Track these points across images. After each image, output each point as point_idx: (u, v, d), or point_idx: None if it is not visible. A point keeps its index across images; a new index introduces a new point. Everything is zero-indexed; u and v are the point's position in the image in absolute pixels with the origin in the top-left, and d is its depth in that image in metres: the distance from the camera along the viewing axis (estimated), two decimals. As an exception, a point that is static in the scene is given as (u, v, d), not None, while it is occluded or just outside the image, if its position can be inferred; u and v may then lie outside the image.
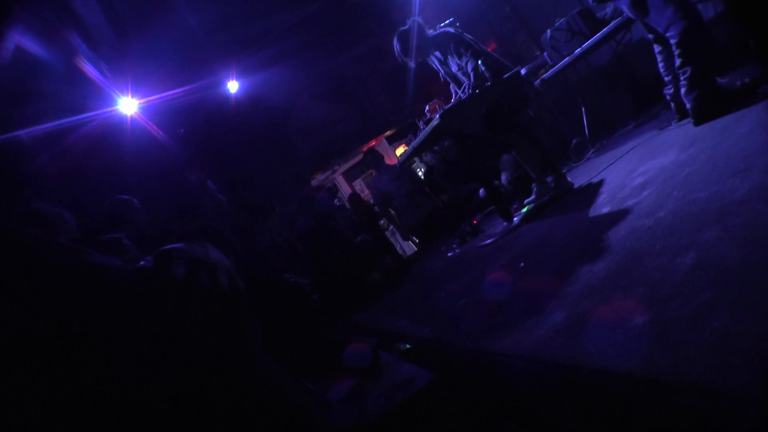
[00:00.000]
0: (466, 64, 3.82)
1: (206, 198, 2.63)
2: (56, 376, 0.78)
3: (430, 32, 4.08)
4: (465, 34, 4.00)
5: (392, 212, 7.06)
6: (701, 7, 4.75)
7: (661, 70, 3.51)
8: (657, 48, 3.44)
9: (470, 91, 3.64)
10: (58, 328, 0.79)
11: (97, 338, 0.81)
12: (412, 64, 4.15)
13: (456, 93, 4.09)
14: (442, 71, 4.18)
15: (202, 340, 0.89)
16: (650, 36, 3.46)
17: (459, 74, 3.97)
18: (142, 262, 0.92)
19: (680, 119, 3.47)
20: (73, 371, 0.79)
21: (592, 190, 3.39)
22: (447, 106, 3.63)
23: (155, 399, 0.83)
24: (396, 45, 4.12)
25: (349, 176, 12.02)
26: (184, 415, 0.85)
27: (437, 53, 4.08)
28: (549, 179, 3.99)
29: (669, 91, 3.53)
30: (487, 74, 3.65)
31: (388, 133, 10.46)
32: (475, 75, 3.72)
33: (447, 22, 4.13)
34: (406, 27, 4.07)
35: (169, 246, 0.95)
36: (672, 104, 3.56)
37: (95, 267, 0.89)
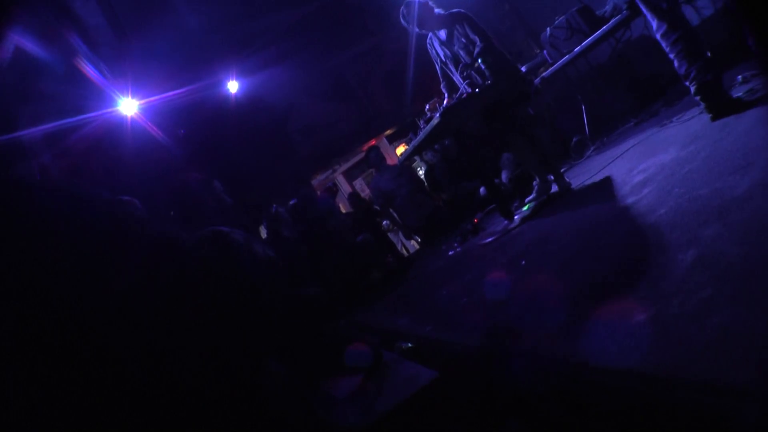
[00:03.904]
0: (474, 45, 3.80)
1: (208, 198, 2.63)
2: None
3: (438, 11, 4.02)
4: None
5: (393, 212, 7.06)
6: (700, 4, 4.77)
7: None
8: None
9: (468, 88, 3.63)
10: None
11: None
12: (414, 30, 4.05)
13: (450, 72, 4.05)
14: (441, 53, 4.11)
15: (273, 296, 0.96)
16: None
17: (462, 53, 3.91)
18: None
19: (713, 117, 2.91)
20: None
21: (593, 187, 3.39)
22: (447, 105, 3.63)
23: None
24: (402, 10, 4.02)
25: (350, 175, 12.02)
26: (196, 415, 0.86)
27: (441, 33, 4.03)
28: (551, 177, 3.99)
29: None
30: (487, 72, 3.65)
31: (388, 132, 10.45)
32: (482, 69, 3.70)
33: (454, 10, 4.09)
34: None
35: (215, 228, 1.03)
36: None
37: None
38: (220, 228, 1.02)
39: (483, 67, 3.66)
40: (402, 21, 4.09)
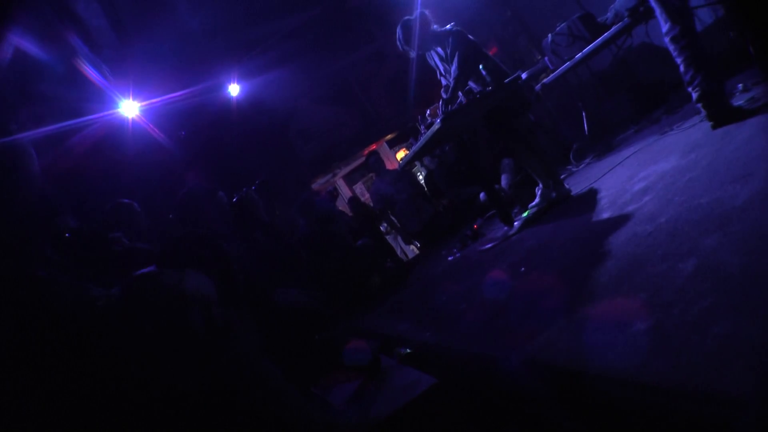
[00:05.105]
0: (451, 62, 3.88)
1: (210, 207, 2.63)
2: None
3: (435, 27, 4.09)
4: (469, 36, 4.00)
5: (392, 217, 7.06)
6: (701, 12, 4.78)
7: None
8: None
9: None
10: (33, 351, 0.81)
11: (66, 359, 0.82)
12: (412, 54, 4.18)
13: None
14: (441, 67, 4.17)
15: (165, 373, 0.89)
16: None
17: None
18: (114, 290, 0.92)
19: (714, 125, 2.90)
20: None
21: (593, 195, 3.39)
22: (449, 110, 3.63)
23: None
24: (398, 33, 4.17)
25: (350, 180, 12.02)
26: (181, 417, 0.85)
27: (439, 49, 4.08)
28: (551, 183, 3.99)
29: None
30: (488, 78, 3.65)
31: (389, 136, 10.47)
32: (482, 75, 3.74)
33: (449, 26, 4.14)
34: (412, 17, 4.09)
35: (143, 271, 0.94)
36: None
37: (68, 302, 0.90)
38: (151, 270, 0.97)
39: (484, 72, 3.67)
40: (399, 45, 4.23)
